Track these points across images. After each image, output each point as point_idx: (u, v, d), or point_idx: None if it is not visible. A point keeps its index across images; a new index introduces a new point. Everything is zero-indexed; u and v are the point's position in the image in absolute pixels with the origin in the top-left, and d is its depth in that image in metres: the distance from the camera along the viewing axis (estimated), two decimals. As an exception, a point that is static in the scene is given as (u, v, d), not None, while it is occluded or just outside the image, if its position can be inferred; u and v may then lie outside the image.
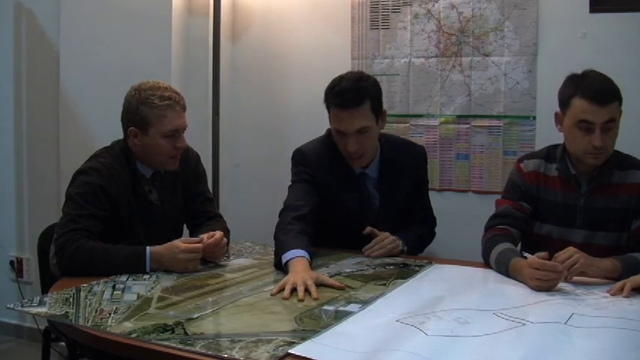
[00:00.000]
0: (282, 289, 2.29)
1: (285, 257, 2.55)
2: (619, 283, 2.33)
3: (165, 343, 1.79)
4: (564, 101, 2.66)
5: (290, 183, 3.06)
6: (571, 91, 2.63)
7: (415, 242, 3.03)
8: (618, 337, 1.86)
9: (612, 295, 2.29)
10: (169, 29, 3.94)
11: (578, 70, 2.69)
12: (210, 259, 2.70)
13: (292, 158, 3.07)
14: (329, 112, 2.91)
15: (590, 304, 2.19)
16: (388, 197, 3.04)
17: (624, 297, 2.26)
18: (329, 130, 3.08)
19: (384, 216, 3.01)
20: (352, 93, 2.82)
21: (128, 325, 1.93)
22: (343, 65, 3.96)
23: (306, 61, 4.11)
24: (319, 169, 2.99)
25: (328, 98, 2.89)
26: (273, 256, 2.72)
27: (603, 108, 2.55)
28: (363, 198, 3.03)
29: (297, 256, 2.52)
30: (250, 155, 4.31)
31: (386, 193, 3.04)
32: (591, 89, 2.57)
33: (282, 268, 2.58)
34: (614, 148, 2.70)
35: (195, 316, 2.02)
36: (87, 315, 2.03)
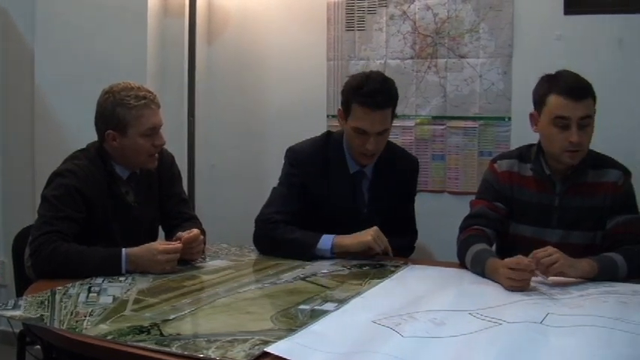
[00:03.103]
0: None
1: (325, 243, 2.82)
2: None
3: (142, 344, 1.78)
4: (539, 100, 2.68)
5: (277, 181, 3.09)
6: (546, 89, 2.66)
7: (394, 251, 2.93)
8: (593, 335, 1.88)
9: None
10: (145, 30, 3.92)
11: (553, 72, 2.71)
12: (188, 258, 2.69)
13: (285, 157, 3.09)
14: (349, 110, 2.89)
15: (565, 303, 2.21)
16: (377, 199, 3.05)
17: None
18: (328, 132, 3.17)
19: (370, 219, 2.99)
20: (383, 95, 2.84)
21: (104, 328, 1.92)
22: (319, 66, 3.98)
23: (282, 62, 4.12)
24: (310, 170, 3.01)
25: (354, 97, 2.85)
26: (248, 257, 2.82)
27: (579, 103, 2.58)
28: (355, 198, 3.05)
29: (333, 236, 2.83)
30: (226, 156, 4.30)
31: (376, 195, 3.06)
32: (566, 85, 2.61)
33: (311, 258, 2.80)
34: (589, 148, 2.73)
35: (172, 317, 2.01)
36: (62, 318, 2.02)
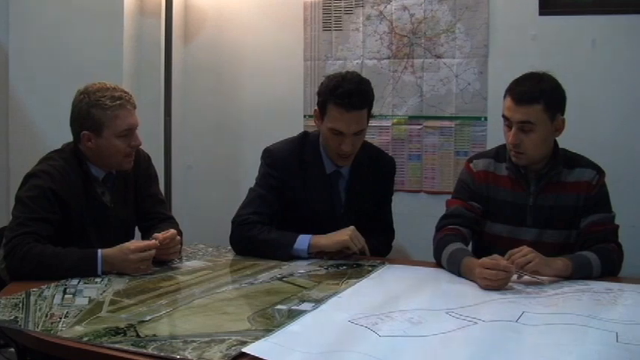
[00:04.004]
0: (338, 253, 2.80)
1: (302, 243, 2.82)
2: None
3: (117, 345, 1.77)
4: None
5: (254, 182, 3.06)
6: (506, 89, 2.71)
7: (370, 249, 2.90)
8: (567, 333, 1.89)
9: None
10: (121, 30, 3.92)
11: (529, 71, 2.72)
12: (164, 258, 2.68)
13: (262, 157, 3.07)
14: (324, 110, 2.88)
15: (540, 301, 2.22)
16: (354, 200, 3.05)
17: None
18: (304, 132, 3.14)
19: (347, 219, 2.98)
20: (358, 96, 2.83)
21: (79, 329, 1.91)
22: (296, 67, 3.99)
23: (259, 63, 4.12)
24: (287, 170, 3.00)
25: (330, 98, 2.85)
26: (225, 258, 2.86)
27: (519, 107, 2.61)
28: (332, 198, 3.04)
29: (310, 236, 2.82)
30: (203, 156, 4.30)
31: (352, 196, 3.05)
32: (515, 89, 2.65)
33: (288, 258, 2.80)
34: (563, 147, 2.76)
35: (148, 318, 2.00)
36: (37, 320, 2.00)
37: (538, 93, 2.61)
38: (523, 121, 2.61)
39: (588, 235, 2.69)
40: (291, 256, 2.80)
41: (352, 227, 2.79)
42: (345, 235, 2.76)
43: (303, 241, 2.81)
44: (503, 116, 2.68)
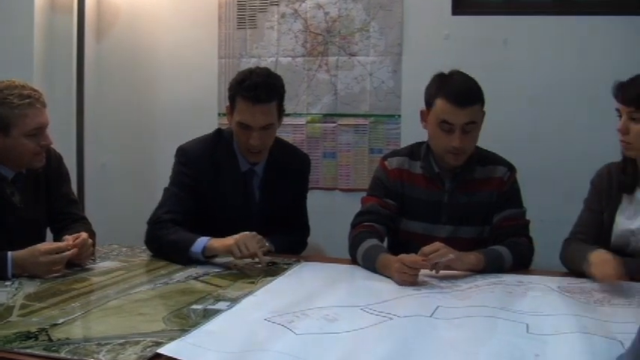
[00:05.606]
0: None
1: (198, 246, 2.70)
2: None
3: (28, 350, 1.74)
4: (429, 100, 2.73)
5: (168, 180, 3.02)
6: (435, 90, 2.70)
7: (285, 246, 2.93)
8: (479, 325, 1.93)
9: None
10: (31, 26, 3.84)
11: (442, 70, 2.76)
12: (76, 262, 2.63)
13: (175, 156, 3.03)
14: (233, 105, 2.87)
15: (454, 295, 2.27)
16: (269, 198, 3.03)
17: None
18: (218, 130, 3.12)
19: (262, 217, 2.99)
20: (264, 89, 2.82)
21: (-12, 335, 1.86)
22: (210, 64, 3.98)
23: (173, 60, 4.09)
24: (201, 168, 2.96)
25: (237, 91, 2.84)
26: (139, 258, 2.81)
27: (463, 110, 2.62)
28: (246, 196, 3.02)
29: (208, 238, 2.71)
30: (116, 155, 4.25)
31: (267, 194, 3.04)
32: (453, 91, 2.65)
33: (188, 262, 2.70)
34: (476, 145, 2.80)
35: (61, 321, 1.96)
36: (-57, 325, 1.95)
37: (477, 92, 2.67)
38: (468, 122, 2.64)
39: (500, 230, 2.75)
40: (190, 260, 2.72)
41: (246, 233, 2.68)
42: (232, 239, 2.66)
43: (199, 244, 2.72)
44: (443, 121, 2.65)
